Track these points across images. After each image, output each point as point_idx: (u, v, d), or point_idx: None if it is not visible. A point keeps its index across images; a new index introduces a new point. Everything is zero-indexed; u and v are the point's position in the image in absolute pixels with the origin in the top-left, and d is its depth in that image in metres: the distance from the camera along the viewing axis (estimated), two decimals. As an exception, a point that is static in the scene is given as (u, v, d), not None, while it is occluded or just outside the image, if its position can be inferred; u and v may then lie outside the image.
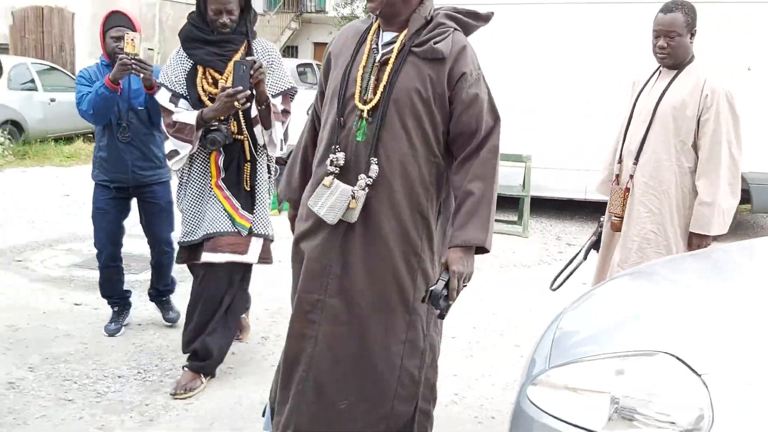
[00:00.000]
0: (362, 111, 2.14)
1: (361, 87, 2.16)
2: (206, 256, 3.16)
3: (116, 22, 3.59)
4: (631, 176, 3.06)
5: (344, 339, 2.22)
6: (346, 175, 2.17)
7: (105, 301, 3.94)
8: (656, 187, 3.02)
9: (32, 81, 11.34)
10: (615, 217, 3.15)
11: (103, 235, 3.76)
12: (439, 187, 2.23)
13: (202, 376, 3.25)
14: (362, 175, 2.14)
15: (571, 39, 7.31)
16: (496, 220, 7.80)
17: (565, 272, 3.24)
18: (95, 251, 3.83)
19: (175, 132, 3.12)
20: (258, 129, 3.17)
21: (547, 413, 1.67)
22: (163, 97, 3.19)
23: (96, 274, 3.91)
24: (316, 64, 15.76)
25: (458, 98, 2.11)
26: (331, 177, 2.18)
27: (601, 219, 3.33)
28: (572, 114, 7.33)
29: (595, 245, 3.36)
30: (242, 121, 3.16)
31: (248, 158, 3.20)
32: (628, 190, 3.07)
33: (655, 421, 1.49)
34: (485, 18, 2.26)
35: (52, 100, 11.35)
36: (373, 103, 2.13)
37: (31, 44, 14.53)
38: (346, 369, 2.23)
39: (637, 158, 3.04)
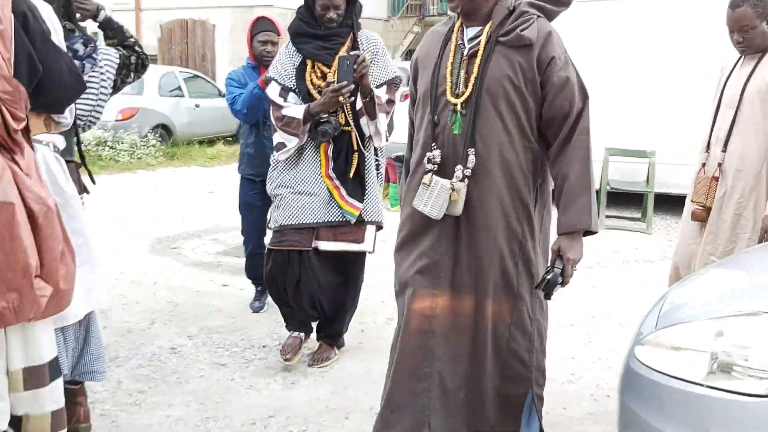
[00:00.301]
0: (455, 104, 2.20)
1: (451, 83, 2.22)
2: (323, 245, 3.28)
3: (263, 27, 3.97)
4: (720, 164, 3.07)
5: (458, 330, 2.29)
6: (445, 170, 2.23)
7: (249, 282, 4.39)
8: (747, 173, 3.01)
9: (179, 88, 12.37)
10: (698, 206, 3.14)
11: (251, 228, 4.19)
12: (535, 173, 2.27)
13: (335, 348, 3.57)
14: (459, 167, 2.20)
15: (693, 29, 7.13)
16: (620, 217, 7.74)
17: None
18: (238, 240, 4.27)
19: (283, 125, 3.23)
20: (364, 120, 3.26)
21: (652, 369, 1.83)
22: (273, 91, 3.31)
23: (239, 260, 4.38)
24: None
25: (550, 82, 2.16)
26: (429, 174, 2.24)
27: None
28: (698, 108, 7.14)
29: None
30: (348, 113, 3.26)
31: (355, 148, 3.30)
32: (716, 178, 3.09)
33: (753, 370, 1.62)
34: (566, 3, 2.30)
35: (197, 106, 12.33)
36: (465, 96, 2.19)
37: (177, 54, 15.80)
38: (462, 359, 2.30)
39: (725, 145, 3.06)
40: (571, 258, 2.19)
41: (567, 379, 3.38)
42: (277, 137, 3.29)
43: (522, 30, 2.15)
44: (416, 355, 2.31)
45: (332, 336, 3.57)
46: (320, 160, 3.30)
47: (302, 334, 3.54)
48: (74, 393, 2.65)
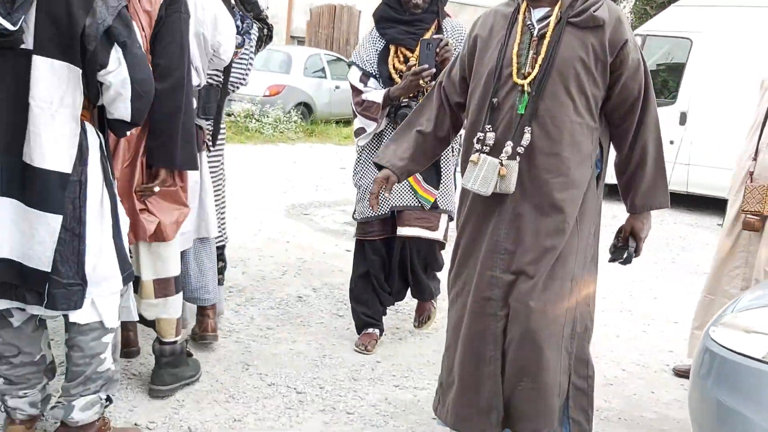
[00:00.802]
0: (522, 85, 2.18)
1: (518, 64, 2.20)
2: (400, 230, 3.28)
3: None
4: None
5: (518, 316, 2.21)
6: (497, 152, 2.21)
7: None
8: None
9: (322, 70, 13.09)
10: (751, 215, 3.07)
11: None
12: (597, 155, 2.27)
13: (433, 303, 3.67)
14: (509, 143, 2.18)
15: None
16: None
17: None
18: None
19: (362, 110, 3.22)
20: None
21: (723, 346, 2.01)
22: (353, 76, 3.32)
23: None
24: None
25: (624, 65, 2.16)
26: (477, 154, 2.22)
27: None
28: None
29: None
30: None
31: None
32: None
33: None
34: None
35: (337, 87, 12.99)
36: (532, 76, 2.17)
37: (323, 38, 16.60)
38: (522, 348, 2.22)
39: None
40: (644, 237, 2.30)
41: (660, 368, 3.52)
42: (357, 122, 3.33)
43: (595, 10, 2.14)
44: (480, 338, 2.26)
45: (424, 292, 3.57)
46: None
47: (377, 331, 3.50)
48: (204, 308, 3.17)
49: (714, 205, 7.71)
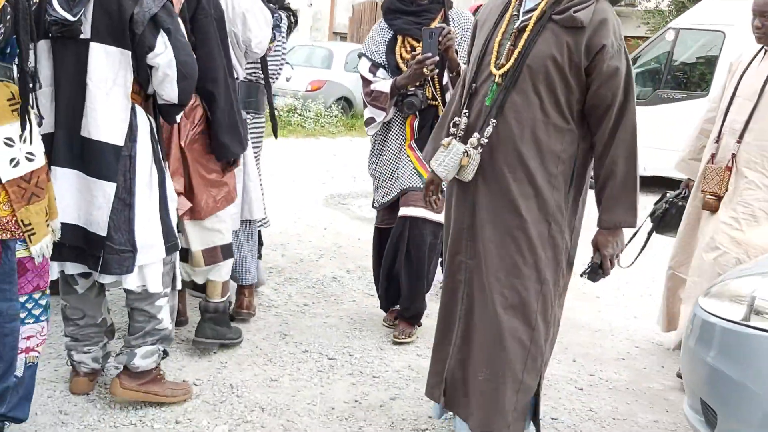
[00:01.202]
0: (495, 76, 2.18)
1: (497, 53, 2.19)
2: (402, 210, 3.31)
3: None
4: (734, 155, 3.09)
5: (480, 304, 2.24)
6: (468, 138, 2.22)
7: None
8: (764, 164, 3.04)
9: (363, 65, 13.35)
10: (710, 196, 3.15)
11: None
12: (571, 156, 2.20)
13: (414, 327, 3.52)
14: (476, 134, 2.18)
15: None
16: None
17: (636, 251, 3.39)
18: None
19: (372, 100, 3.31)
20: (450, 95, 3.18)
21: (709, 312, 2.23)
22: (363, 67, 3.40)
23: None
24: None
25: (597, 70, 2.10)
26: (449, 138, 2.25)
27: (668, 195, 3.51)
28: None
29: (659, 224, 3.49)
30: (436, 86, 3.29)
31: None
32: (729, 168, 3.09)
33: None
34: None
35: (377, 83, 13.24)
36: (505, 68, 2.15)
37: (365, 34, 16.83)
38: (484, 337, 2.24)
39: (741, 136, 3.08)
40: (608, 254, 2.21)
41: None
42: (367, 112, 3.40)
43: (576, 11, 2.08)
44: (448, 318, 2.35)
45: (414, 316, 3.49)
46: (406, 134, 3.38)
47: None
48: (242, 287, 3.52)
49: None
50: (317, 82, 12.26)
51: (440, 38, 3.08)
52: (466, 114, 2.25)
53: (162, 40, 2.35)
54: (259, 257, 3.88)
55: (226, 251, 3.06)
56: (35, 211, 2.12)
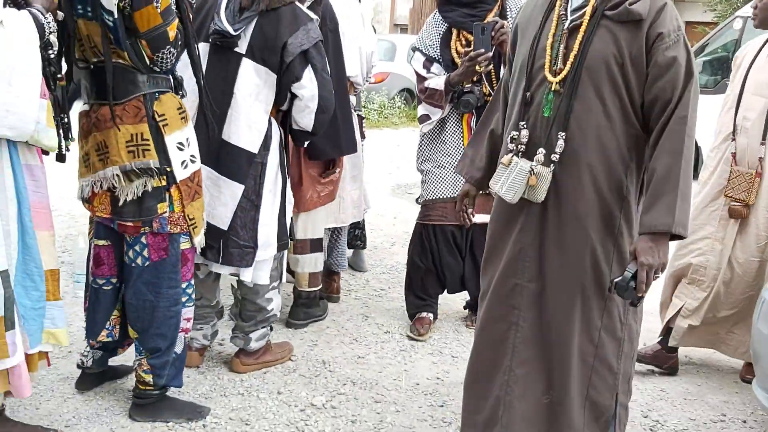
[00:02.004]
0: (552, 83, 2.00)
1: (551, 57, 2.02)
2: (477, 217, 3.04)
3: None
4: (761, 158, 2.86)
5: (545, 326, 2.11)
6: (531, 153, 2.04)
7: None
8: None
9: (424, 56, 13.50)
10: (737, 203, 2.90)
11: None
12: (639, 162, 2.04)
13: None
14: (541, 150, 2.01)
15: None
16: None
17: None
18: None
19: (426, 97, 3.22)
20: None
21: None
22: (417, 62, 3.30)
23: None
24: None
25: (654, 61, 1.92)
26: (510, 155, 2.07)
27: None
28: None
29: None
30: (493, 83, 3.17)
31: None
32: (759, 174, 2.86)
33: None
34: None
35: (437, 74, 13.38)
36: (563, 74, 1.98)
37: (425, 25, 17.00)
38: (548, 359, 2.11)
39: (764, 137, 2.87)
40: (645, 262, 1.90)
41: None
42: (421, 109, 3.33)
43: (632, 3, 1.92)
44: (497, 346, 2.17)
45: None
46: (463, 132, 3.28)
47: (430, 315, 3.51)
48: (332, 273, 3.81)
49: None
50: (380, 74, 12.45)
51: (493, 33, 3.00)
52: (524, 126, 2.06)
53: (309, 75, 2.60)
54: (364, 246, 4.32)
55: (315, 245, 3.36)
56: (197, 207, 2.42)
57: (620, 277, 1.93)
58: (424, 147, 3.41)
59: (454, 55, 3.20)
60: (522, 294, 2.12)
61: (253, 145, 2.64)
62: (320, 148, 3.17)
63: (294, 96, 2.65)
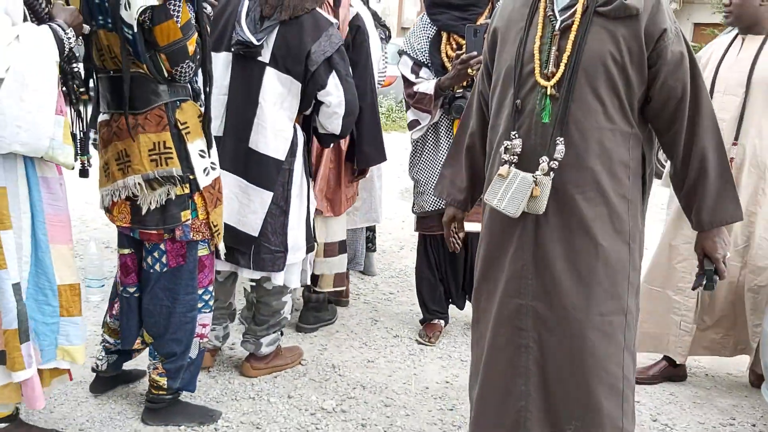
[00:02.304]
0: (546, 87, 1.89)
1: (540, 61, 1.90)
2: (468, 227, 2.83)
3: None
4: (732, 159, 2.73)
5: (559, 348, 1.94)
6: (527, 162, 1.92)
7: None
8: (758, 167, 2.77)
9: (432, 60, 13.53)
10: None
11: None
12: (638, 163, 1.95)
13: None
14: (544, 158, 1.88)
15: None
16: None
17: None
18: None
19: (415, 102, 3.15)
20: None
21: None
22: (405, 66, 3.20)
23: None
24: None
25: (663, 59, 1.84)
26: (507, 166, 1.93)
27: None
28: None
29: None
30: None
31: None
32: None
33: None
34: None
35: (446, 76, 13.41)
36: (557, 77, 1.87)
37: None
38: (569, 384, 1.94)
39: (736, 138, 2.78)
40: (720, 256, 1.96)
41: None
42: (410, 115, 3.24)
43: None
44: (508, 371, 2.01)
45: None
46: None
47: (442, 321, 3.52)
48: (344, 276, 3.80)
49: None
50: (388, 78, 12.44)
51: (485, 35, 2.84)
52: (516, 135, 1.94)
53: (333, 81, 2.63)
54: (374, 249, 4.38)
55: (342, 246, 3.42)
56: (218, 213, 2.45)
57: (705, 280, 1.98)
58: (416, 154, 3.32)
59: (445, 59, 3.13)
60: (528, 314, 1.97)
61: (280, 153, 2.67)
62: (371, 156, 3.25)
63: (319, 102, 2.68)
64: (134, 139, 2.25)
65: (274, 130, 2.65)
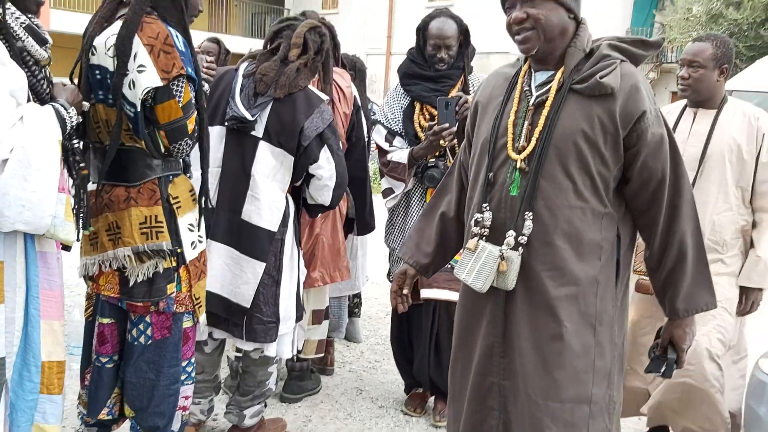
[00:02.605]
0: (516, 161, 1.89)
1: (514, 134, 1.91)
2: (425, 293, 3.11)
3: None
4: None
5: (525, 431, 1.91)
6: (497, 236, 1.91)
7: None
8: (719, 243, 2.75)
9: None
10: (643, 277, 2.74)
11: None
12: (612, 244, 1.90)
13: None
14: (510, 232, 1.87)
15: None
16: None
17: None
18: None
19: (389, 171, 3.20)
20: None
21: (765, 373, 2.40)
22: (379, 135, 3.27)
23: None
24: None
25: (642, 140, 1.83)
26: (475, 239, 1.93)
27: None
28: None
29: None
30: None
31: None
32: None
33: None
34: (655, 45, 1.97)
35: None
36: (528, 151, 1.87)
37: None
38: None
39: None
40: (686, 347, 1.93)
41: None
42: (384, 183, 3.29)
43: (602, 76, 1.82)
44: None
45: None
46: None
47: (428, 391, 3.45)
48: (327, 344, 3.82)
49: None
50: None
51: (457, 107, 2.98)
52: (486, 208, 1.94)
53: (325, 155, 2.71)
54: (359, 315, 4.41)
55: (327, 313, 3.45)
56: (202, 286, 2.47)
57: (665, 367, 1.94)
58: (390, 222, 3.36)
59: (418, 129, 3.19)
60: (499, 393, 1.94)
61: (273, 224, 2.71)
62: (370, 224, 3.37)
63: (310, 174, 2.75)
64: (131, 211, 2.30)
65: (267, 201, 2.70)
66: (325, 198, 2.78)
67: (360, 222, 3.33)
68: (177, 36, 2.23)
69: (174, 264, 2.35)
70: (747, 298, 2.81)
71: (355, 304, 4.40)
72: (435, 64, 3.14)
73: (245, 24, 22.26)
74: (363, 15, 19.16)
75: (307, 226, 3.18)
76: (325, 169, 2.71)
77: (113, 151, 2.27)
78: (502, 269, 1.86)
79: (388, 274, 3.44)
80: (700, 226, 1.92)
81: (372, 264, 6.64)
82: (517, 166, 1.89)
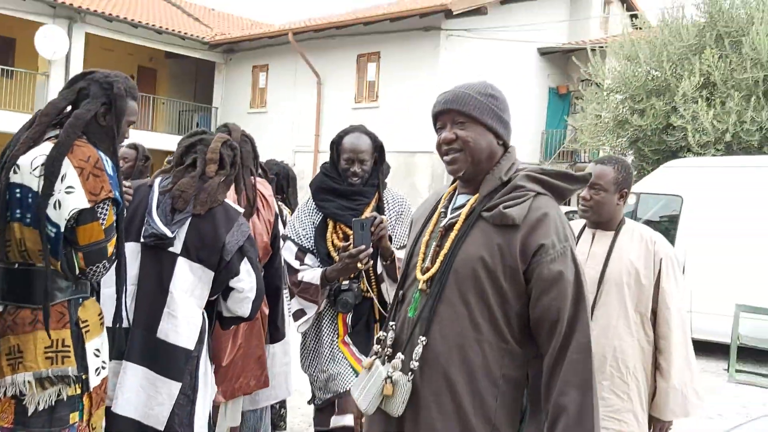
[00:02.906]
0: (419, 281, 1.86)
1: (424, 255, 1.89)
2: (335, 420, 2.96)
3: None
4: None
5: None
6: (396, 357, 1.85)
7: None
8: (620, 370, 2.66)
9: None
10: None
11: None
12: (516, 384, 1.80)
13: None
14: (399, 354, 1.81)
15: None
16: (752, 372, 7.71)
17: None
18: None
19: (300, 292, 3.02)
20: (385, 286, 2.97)
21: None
22: (288, 252, 3.11)
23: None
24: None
25: (537, 275, 1.74)
26: (372, 358, 1.88)
27: None
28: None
29: None
30: (371, 279, 3.01)
31: (377, 318, 3.05)
32: None
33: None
34: (582, 180, 1.92)
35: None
36: (431, 273, 1.83)
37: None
38: None
39: None
40: None
41: None
42: (295, 304, 3.08)
43: (506, 207, 1.78)
44: None
45: None
46: (338, 330, 3.07)
47: None
48: None
49: (719, 350, 8.04)
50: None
51: (373, 228, 2.87)
52: (392, 327, 1.89)
53: (246, 268, 2.69)
54: (284, 428, 4.34)
55: (241, 429, 3.34)
56: (99, 414, 2.36)
57: None
58: (305, 346, 3.19)
59: (331, 248, 3.04)
60: None
61: (190, 342, 2.65)
62: (281, 331, 3.33)
63: (229, 288, 2.71)
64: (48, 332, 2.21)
65: (185, 318, 2.64)
66: (245, 310, 2.74)
67: (273, 330, 3.30)
68: (107, 160, 2.26)
69: (78, 391, 2.25)
70: (659, 429, 2.77)
71: (280, 415, 4.26)
72: (348, 178, 3.07)
73: (173, 121, 22.30)
74: (291, 114, 19.54)
75: (230, 336, 3.10)
76: (246, 281, 2.69)
77: (49, 272, 2.20)
78: (387, 393, 1.79)
79: (311, 400, 3.22)
80: (592, 382, 1.74)
81: (295, 372, 6.43)
82: (420, 287, 1.87)
